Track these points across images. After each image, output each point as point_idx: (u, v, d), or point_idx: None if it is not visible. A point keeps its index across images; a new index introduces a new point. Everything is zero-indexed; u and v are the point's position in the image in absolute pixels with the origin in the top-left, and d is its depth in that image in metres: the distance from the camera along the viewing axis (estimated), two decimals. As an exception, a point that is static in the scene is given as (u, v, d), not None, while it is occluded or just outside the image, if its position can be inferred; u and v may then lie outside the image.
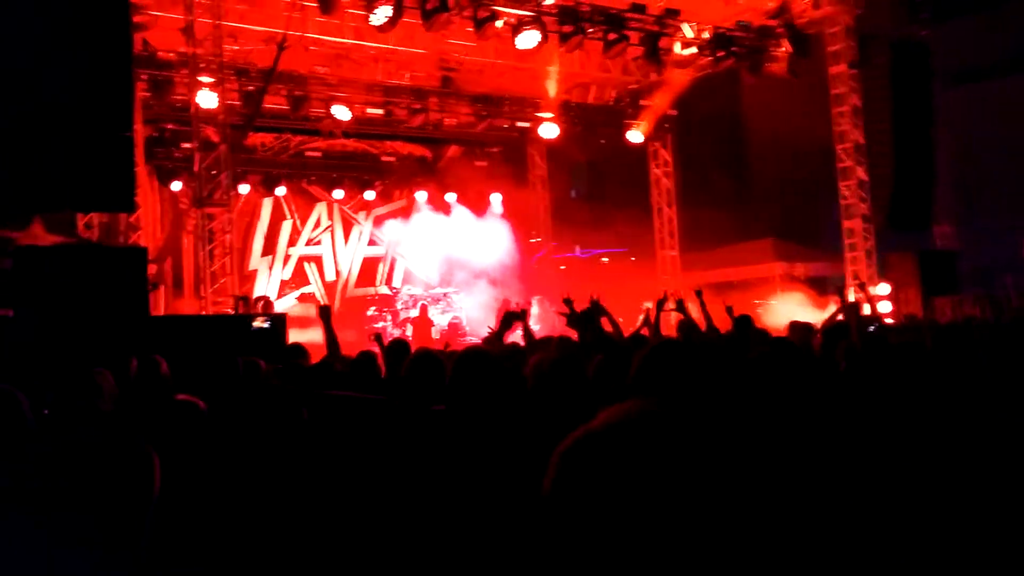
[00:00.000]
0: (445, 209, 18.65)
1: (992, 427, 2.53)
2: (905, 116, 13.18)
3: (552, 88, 15.00)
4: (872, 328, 6.16)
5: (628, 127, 16.42)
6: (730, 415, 2.32)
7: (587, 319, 4.21)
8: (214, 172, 10.55)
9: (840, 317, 5.64)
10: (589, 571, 0.78)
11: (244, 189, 15.81)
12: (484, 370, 2.66)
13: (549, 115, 15.60)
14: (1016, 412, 2.90)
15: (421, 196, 18.22)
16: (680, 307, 5.88)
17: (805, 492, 2.18)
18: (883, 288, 13.60)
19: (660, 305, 5.68)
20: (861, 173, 14.17)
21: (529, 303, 5.66)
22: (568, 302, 5.02)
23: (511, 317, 4.27)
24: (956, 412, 3.01)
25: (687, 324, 5.62)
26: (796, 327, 6.12)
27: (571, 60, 14.63)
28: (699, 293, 5.77)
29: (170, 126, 14.13)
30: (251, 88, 12.82)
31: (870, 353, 4.12)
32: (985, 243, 15.14)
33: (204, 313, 9.74)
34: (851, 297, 5.99)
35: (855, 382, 3.79)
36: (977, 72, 16.69)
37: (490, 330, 5.04)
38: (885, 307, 12.91)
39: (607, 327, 5.58)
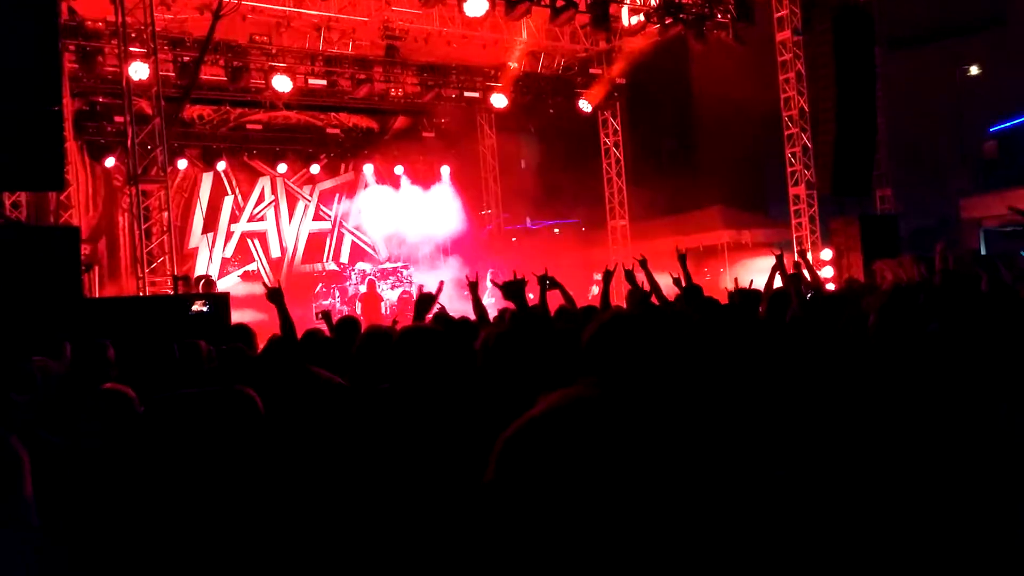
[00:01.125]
0: (393, 182, 18.37)
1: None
2: (848, 82, 13.34)
3: (513, 59, 14.80)
4: (809, 295, 6.22)
5: (577, 97, 16.32)
6: (665, 396, 2.28)
7: (518, 291, 4.09)
8: (149, 147, 10.14)
9: (778, 284, 5.65)
10: (528, 555, 0.76)
11: (182, 164, 15.31)
12: (428, 347, 2.56)
13: (498, 85, 15.40)
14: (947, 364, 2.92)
15: (368, 169, 17.90)
16: (629, 278, 5.84)
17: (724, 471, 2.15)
18: (826, 254, 13.86)
19: (608, 277, 5.63)
20: (806, 139, 14.36)
21: (483, 276, 5.54)
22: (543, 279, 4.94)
23: (424, 302, 4.08)
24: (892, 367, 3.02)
25: (636, 295, 5.59)
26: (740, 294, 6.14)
27: (518, 28, 14.44)
28: (643, 262, 5.69)
29: (101, 99, 13.57)
30: (186, 59, 12.35)
31: (809, 319, 4.16)
32: (924, 205, 15.53)
33: (141, 295, 9.41)
34: (793, 264, 6.01)
35: (793, 346, 3.82)
36: (910, 38, 16.97)
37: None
38: (827, 272, 13.16)
39: (560, 299, 5.52)
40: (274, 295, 4.65)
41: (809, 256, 8.35)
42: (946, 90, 16.56)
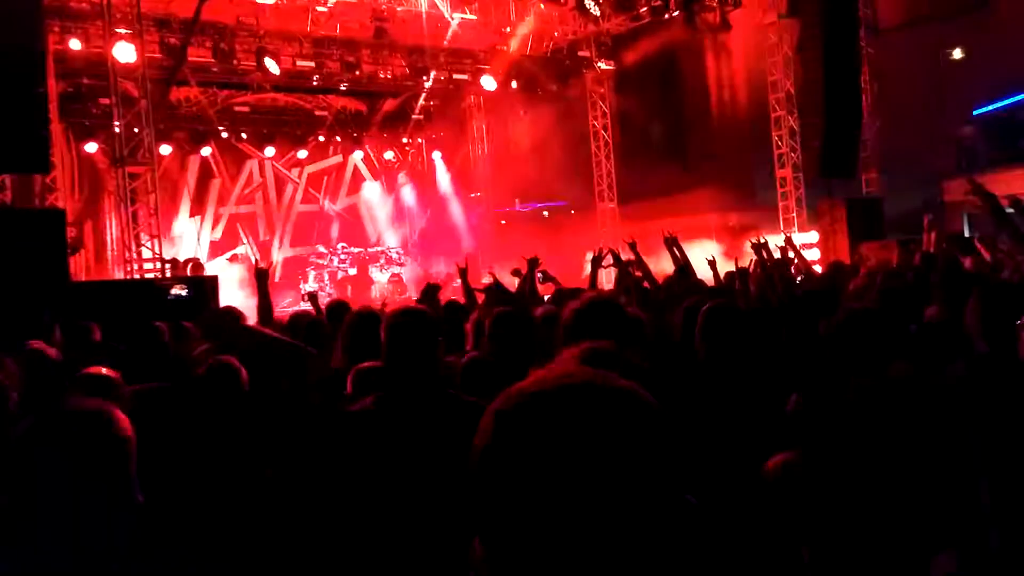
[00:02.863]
0: (382, 164, 18.32)
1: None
2: (835, 64, 13.36)
3: (502, 42, 14.72)
4: (799, 278, 6.29)
5: (567, 79, 16.28)
6: (658, 371, 2.34)
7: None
8: (135, 129, 10.09)
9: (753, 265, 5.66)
10: (517, 528, 0.77)
11: (168, 148, 15.21)
12: (417, 326, 2.60)
13: (487, 67, 15.35)
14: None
15: (357, 155, 17.84)
16: (617, 260, 5.88)
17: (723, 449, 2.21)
18: (812, 236, 13.95)
19: (596, 261, 5.68)
20: (793, 122, 14.41)
21: (472, 261, 5.58)
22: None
23: (430, 291, 4.17)
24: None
25: (624, 277, 5.64)
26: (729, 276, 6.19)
27: (507, 10, 14.38)
28: (632, 245, 5.73)
29: (85, 81, 13.44)
30: (173, 40, 12.24)
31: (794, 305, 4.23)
32: (908, 188, 15.63)
33: (128, 278, 9.40)
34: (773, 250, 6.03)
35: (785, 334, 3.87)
36: (894, 21, 16.99)
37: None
38: (813, 254, 13.26)
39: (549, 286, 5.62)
40: (260, 275, 4.76)
41: (795, 239, 8.45)
42: (929, 73, 16.60)
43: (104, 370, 3.05)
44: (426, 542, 2.19)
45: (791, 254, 6.78)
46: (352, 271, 16.09)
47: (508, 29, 14.60)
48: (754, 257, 5.41)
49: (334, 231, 18.15)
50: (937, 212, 15.03)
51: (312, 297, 5.68)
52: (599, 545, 0.75)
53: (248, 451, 2.71)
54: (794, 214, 14.57)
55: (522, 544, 0.76)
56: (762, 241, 5.46)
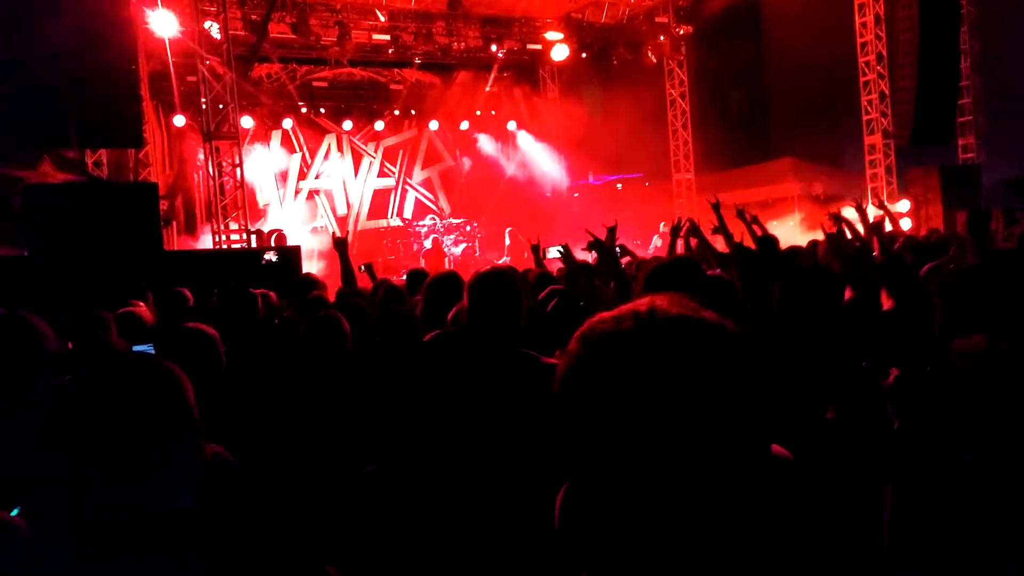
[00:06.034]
0: (457, 138, 18.38)
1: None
2: (931, 24, 12.67)
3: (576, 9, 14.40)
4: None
5: (643, 47, 15.93)
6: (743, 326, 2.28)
7: (603, 246, 4.19)
8: (220, 105, 10.38)
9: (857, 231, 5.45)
10: (604, 455, 0.76)
11: (251, 122, 15.60)
12: (501, 289, 2.61)
13: (560, 36, 15.14)
14: None
15: (433, 125, 17.93)
16: (695, 231, 5.75)
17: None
18: (903, 205, 13.35)
19: (675, 231, 5.56)
20: (883, 86, 13.74)
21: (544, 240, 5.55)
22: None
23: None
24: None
25: (704, 248, 5.51)
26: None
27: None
28: (716, 205, 5.53)
29: (173, 59, 13.87)
30: (254, 17, 12.52)
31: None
32: (1011, 156, 14.77)
33: (217, 248, 9.74)
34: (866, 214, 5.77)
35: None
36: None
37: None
38: (905, 224, 12.70)
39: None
40: (340, 244, 4.92)
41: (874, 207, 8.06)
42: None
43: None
44: (504, 494, 2.21)
45: (887, 223, 6.51)
46: (427, 244, 16.24)
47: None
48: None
49: (409, 204, 18.35)
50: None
51: (368, 267, 5.72)
52: (683, 468, 0.73)
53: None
54: (884, 182, 13.95)
55: (609, 474, 0.75)
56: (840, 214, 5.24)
